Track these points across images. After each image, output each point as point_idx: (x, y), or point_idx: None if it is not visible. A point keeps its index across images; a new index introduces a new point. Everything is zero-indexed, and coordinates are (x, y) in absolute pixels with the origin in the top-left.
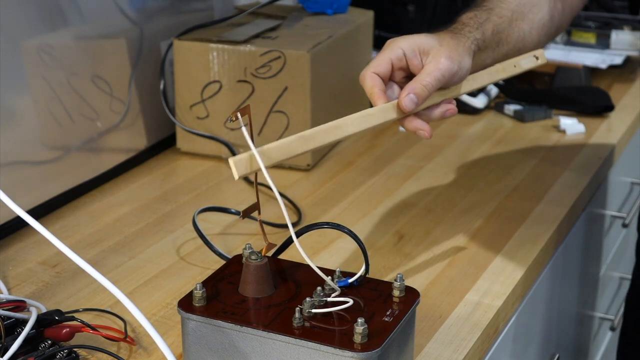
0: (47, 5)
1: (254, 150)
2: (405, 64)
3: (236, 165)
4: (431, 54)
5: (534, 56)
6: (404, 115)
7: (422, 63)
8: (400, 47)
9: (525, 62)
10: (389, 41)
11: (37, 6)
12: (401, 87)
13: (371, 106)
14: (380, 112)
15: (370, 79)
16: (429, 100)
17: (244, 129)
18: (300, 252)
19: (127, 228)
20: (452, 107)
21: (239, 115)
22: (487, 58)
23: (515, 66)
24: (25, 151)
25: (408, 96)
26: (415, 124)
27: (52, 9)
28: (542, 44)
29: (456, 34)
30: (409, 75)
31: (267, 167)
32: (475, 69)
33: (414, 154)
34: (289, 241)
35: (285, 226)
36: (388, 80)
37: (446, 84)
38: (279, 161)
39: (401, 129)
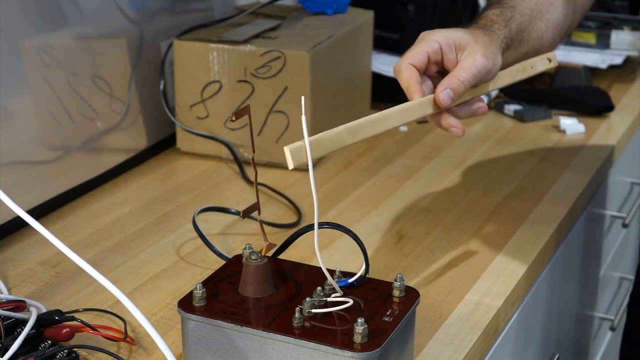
0: (47, 5)
1: (306, 137)
2: (441, 58)
3: (292, 154)
4: (467, 49)
5: (547, 59)
6: (439, 110)
7: (457, 58)
8: (437, 40)
9: (540, 64)
10: (423, 33)
11: (37, 6)
12: (434, 82)
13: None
14: (418, 107)
15: (407, 71)
16: (461, 97)
17: (303, 118)
18: (315, 246)
19: (127, 228)
20: (484, 105)
21: (303, 100)
22: (510, 56)
23: (532, 67)
24: (25, 151)
25: (445, 91)
26: (450, 121)
27: (52, 9)
28: (556, 43)
29: (487, 31)
30: (442, 70)
31: (318, 157)
32: (501, 67)
33: (414, 154)
34: (289, 241)
35: (285, 226)
36: (423, 73)
37: (480, 81)
38: (329, 152)
39: (401, 128)
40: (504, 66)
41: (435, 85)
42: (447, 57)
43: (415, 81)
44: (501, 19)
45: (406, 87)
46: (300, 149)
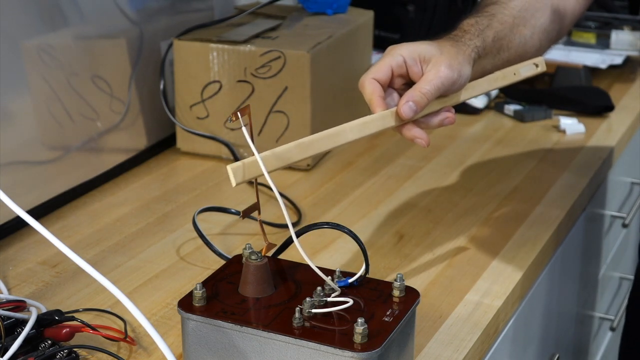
0: (47, 5)
1: (255, 153)
2: (405, 71)
3: (234, 173)
4: (431, 61)
5: (534, 64)
6: (402, 122)
7: (422, 71)
8: (401, 54)
9: (524, 70)
10: (389, 48)
11: (37, 6)
12: (400, 94)
13: (369, 111)
14: (379, 120)
15: (370, 85)
16: (427, 108)
17: (244, 130)
18: (300, 252)
19: (127, 228)
20: (451, 115)
21: (239, 115)
22: (488, 64)
23: (515, 74)
24: (25, 151)
25: (407, 104)
26: (414, 132)
27: (52, 9)
28: (543, 49)
29: (457, 42)
30: (409, 83)
31: (262, 175)
32: (475, 75)
33: (414, 154)
34: (289, 241)
35: (285, 226)
36: (387, 86)
37: (445, 92)
38: (276, 169)
39: None
40: (483, 74)
41: (386, 88)
42: (412, 70)
43: (378, 95)
44: (475, 28)
45: (369, 101)
46: (239, 168)
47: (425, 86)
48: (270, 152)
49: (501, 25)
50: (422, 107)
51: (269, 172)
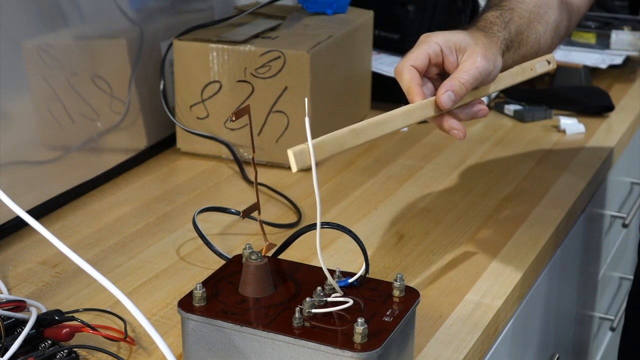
0: (47, 5)
1: (310, 144)
2: (441, 60)
3: (295, 157)
4: (467, 51)
5: (547, 60)
6: (440, 112)
7: (457, 60)
8: (437, 42)
9: (539, 66)
10: (423, 35)
11: (37, 6)
12: (434, 84)
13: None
14: (420, 109)
15: (409, 73)
16: (462, 99)
17: (306, 120)
18: (317, 246)
19: (127, 228)
20: (484, 107)
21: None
22: (509, 59)
23: (531, 69)
24: (25, 151)
25: (446, 93)
26: (451, 123)
27: (52, 9)
28: (554, 45)
29: (487, 33)
30: (442, 72)
31: (321, 160)
32: (501, 68)
33: (414, 154)
34: (289, 241)
35: (285, 226)
36: (423, 75)
37: (481, 83)
38: (331, 155)
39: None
40: (504, 68)
41: (435, 87)
42: (448, 59)
43: (416, 83)
44: (500, 20)
45: (407, 89)
46: (304, 152)
47: (463, 76)
48: (328, 137)
49: (520, 20)
50: (461, 96)
51: (325, 158)
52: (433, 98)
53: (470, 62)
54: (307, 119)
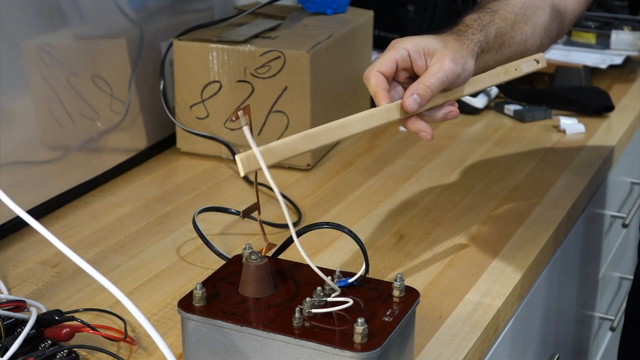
0: (47, 5)
1: (255, 149)
2: (410, 65)
3: (242, 162)
4: (436, 55)
5: (535, 60)
6: (407, 115)
7: (426, 64)
8: (405, 47)
9: (526, 66)
10: (393, 41)
11: (37, 6)
12: (404, 88)
13: (373, 105)
14: (383, 112)
15: (375, 78)
16: (431, 102)
17: (245, 128)
18: (300, 252)
19: (127, 228)
20: (455, 109)
21: (240, 114)
22: (490, 60)
23: (516, 69)
24: (25, 151)
25: (412, 97)
26: (418, 125)
27: (52, 9)
28: (544, 47)
29: (460, 36)
30: (413, 76)
31: (271, 165)
32: (478, 71)
33: (414, 154)
34: (289, 241)
35: (285, 226)
36: (392, 80)
37: (449, 86)
38: (283, 159)
39: (402, 129)
40: (485, 69)
41: (404, 91)
42: (416, 63)
43: (382, 88)
44: (477, 23)
45: (374, 93)
46: (250, 157)
47: (429, 79)
48: (279, 142)
49: (503, 22)
50: (427, 100)
51: (275, 163)
52: (399, 102)
53: (438, 66)
54: (245, 128)
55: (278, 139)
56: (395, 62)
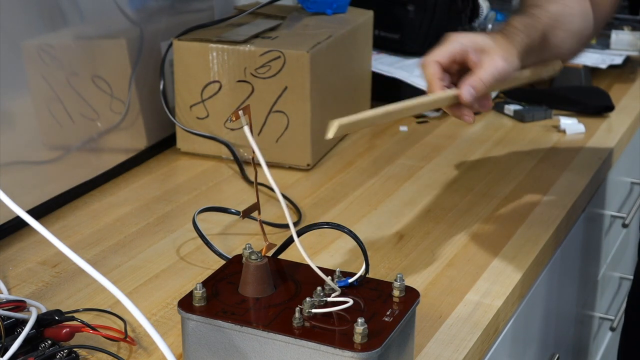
0: (47, 5)
1: (255, 148)
2: (463, 58)
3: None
4: (489, 52)
5: (554, 67)
6: (457, 102)
7: (479, 59)
8: (461, 42)
9: (546, 70)
10: (449, 34)
11: (37, 6)
12: (452, 78)
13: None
14: (442, 98)
15: (432, 67)
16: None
17: (245, 128)
18: (301, 252)
19: (127, 228)
20: (490, 102)
21: (240, 114)
22: (529, 62)
23: (540, 72)
24: (25, 151)
25: (467, 88)
26: (462, 110)
27: (52, 9)
28: (577, 52)
29: (508, 37)
30: (462, 69)
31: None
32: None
33: (414, 154)
34: (289, 241)
35: (285, 226)
36: (444, 70)
37: (498, 82)
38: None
39: (402, 128)
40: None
41: (452, 81)
42: (470, 57)
43: (437, 77)
44: (523, 26)
45: (428, 80)
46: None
47: (484, 74)
48: (359, 115)
49: (542, 27)
50: (480, 93)
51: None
52: (455, 90)
53: (491, 62)
54: (245, 128)
55: (277, 139)
56: (452, 55)
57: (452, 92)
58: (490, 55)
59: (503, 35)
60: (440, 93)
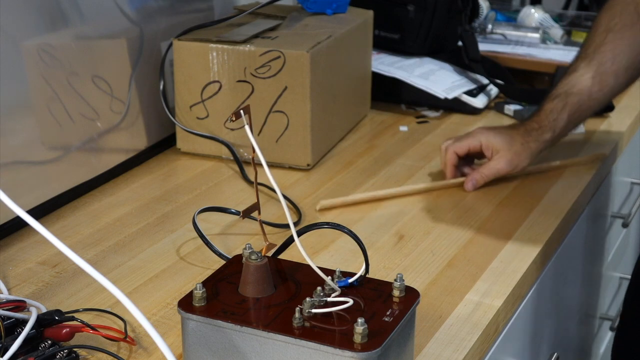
0: (47, 5)
1: (256, 149)
2: (478, 153)
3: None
4: (499, 153)
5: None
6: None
7: (490, 156)
8: (480, 140)
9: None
10: (476, 130)
11: (37, 6)
12: (461, 158)
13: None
14: (451, 183)
15: (450, 155)
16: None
17: (246, 128)
18: (301, 252)
19: (127, 228)
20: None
21: (242, 113)
22: (556, 142)
23: (566, 164)
24: (25, 151)
25: (471, 182)
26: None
27: (52, 9)
28: (629, 85)
29: (528, 136)
30: (475, 156)
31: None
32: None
33: (414, 154)
34: (289, 241)
35: (285, 226)
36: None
37: (498, 177)
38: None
39: (402, 128)
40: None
41: (460, 159)
42: (483, 153)
43: (452, 164)
44: (551, 116)
45: (444, 165)
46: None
47: (486, 172)
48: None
49: (577, 98)
50: (480, 185)
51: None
52: (460, 179)
53: (496, 164)
54: (246, 128)
55: (277, 139)
56: (469, 148)
57: (459, 180)
58: (499, 157)
59: (524, 135)
60: (451, 181)
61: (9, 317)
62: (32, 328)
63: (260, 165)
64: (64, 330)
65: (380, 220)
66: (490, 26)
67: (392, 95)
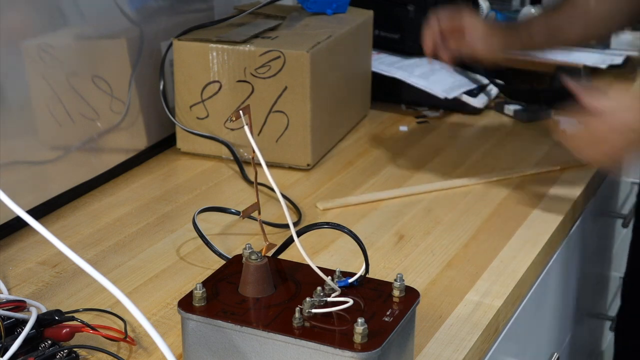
0: (47, 5)
1: (255, 148)
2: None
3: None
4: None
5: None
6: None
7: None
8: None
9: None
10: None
11: (37, 6)
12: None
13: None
14: (451, 185)
15: (433, 22)
16: None
17: (246, 128)
18: (301, 252)
19: (127, 228)
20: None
21: (241, 114)
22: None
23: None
24: (25, 151)
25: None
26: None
27: (52, 9)
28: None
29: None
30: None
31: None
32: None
33: (414, 154)
34: (289, 241)
35: (285, 226)
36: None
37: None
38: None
39: (402, 128)
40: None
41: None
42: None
43: (433, 33)
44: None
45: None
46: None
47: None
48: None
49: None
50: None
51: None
52: (460, 181)
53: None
54: (246, 128)
55: (277, 139)
56: (453, 23)
57: (459, 181)
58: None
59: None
60: (452, 182)
61: (9, 317)
62: (32, 328)
63: (260, 165)
64: (64, 330)
65: (380, 220)
66: None
67: (392, 95)
